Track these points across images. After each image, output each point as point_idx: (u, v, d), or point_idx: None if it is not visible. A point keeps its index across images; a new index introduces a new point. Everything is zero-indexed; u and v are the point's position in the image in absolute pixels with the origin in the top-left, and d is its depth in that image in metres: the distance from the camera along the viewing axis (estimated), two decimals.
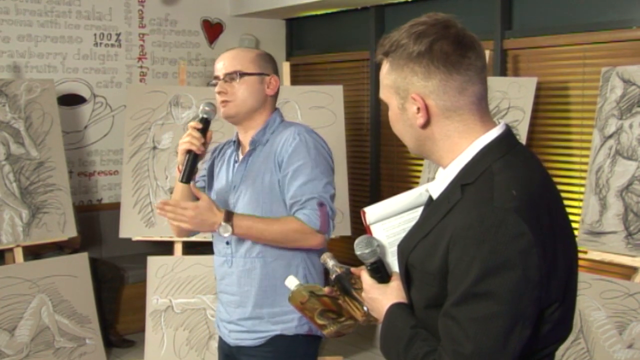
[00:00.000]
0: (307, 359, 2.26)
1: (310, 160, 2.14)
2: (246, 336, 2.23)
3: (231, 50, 2.26)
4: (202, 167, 2.36)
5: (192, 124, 2.15)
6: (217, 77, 2.22)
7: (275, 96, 2.27)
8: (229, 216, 2.09)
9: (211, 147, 2.31)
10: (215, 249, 2.32)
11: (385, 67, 1.38)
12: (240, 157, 2.27)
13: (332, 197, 2.19)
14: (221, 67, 2.21)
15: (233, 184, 2.24)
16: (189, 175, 2.13)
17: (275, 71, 2.27)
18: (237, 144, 2.30)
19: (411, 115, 1.35)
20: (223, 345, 2.34)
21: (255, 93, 2.20)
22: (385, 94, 1.40)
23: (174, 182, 3.46)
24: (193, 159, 2.12)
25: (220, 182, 2.30)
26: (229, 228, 2.08)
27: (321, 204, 2.12)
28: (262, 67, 2.22)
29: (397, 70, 1.35)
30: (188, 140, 2.12)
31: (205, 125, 2.15)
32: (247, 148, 2.24)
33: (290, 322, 2.19)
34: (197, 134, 2.12)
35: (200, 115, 2.16)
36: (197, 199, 2.12)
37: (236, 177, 2.23)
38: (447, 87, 1.32)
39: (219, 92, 2.19)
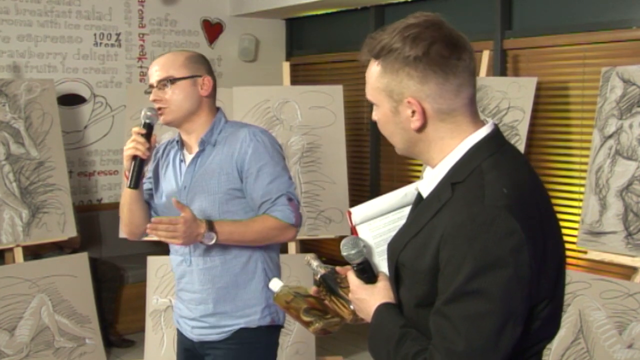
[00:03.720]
0: (270, 348, 2.32)
1: (270, 159, 2.21)
2: (210, 331, 2.28)
3: (162, 56, 2.27)
4: (148, 169, 2.39)
5: (136, 129, 2.19)
6: (151, 85, 2.24)
7: (211, 96, 2.28)
8: (211, 225, 2.13)
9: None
10: (171, 248, 2.33)
11: (375, 70, 1.35)
12: (186, 156, 2.30)
13: (294, 189, 2.29)
14: (153, 74, 2.23)
15: (183, 184, 2.26)
16: (136, 180, 2.18)
17: (209, 71, 2.28)
18: (181, 144, 2.33)
19: (404, 118, 1.34)
20: (184, 340, 2.39)
21: (189, 96, 2.22)
22: (374, 96, 1.37)
23: None
24: (139, 164, 2.17)
25: (168, 183, 2.31)
26: (213, 235, 2.13)
27: (290, 199, 2.21)
28: (193, 69, 2.24)
29: (391, 74, 1.32)
30: (133, 145, 2.16)
31: (148, 130, 2.19)
32: (194, 148, 2.27)
33: (253, 315, 2.25)
34: (141, 139, 2.16)
35: (143, 121, 2.20)
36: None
37: (186, 178, 2.26)
38: (444, 90, 1.31)
39: (154, 100, 2.22)
